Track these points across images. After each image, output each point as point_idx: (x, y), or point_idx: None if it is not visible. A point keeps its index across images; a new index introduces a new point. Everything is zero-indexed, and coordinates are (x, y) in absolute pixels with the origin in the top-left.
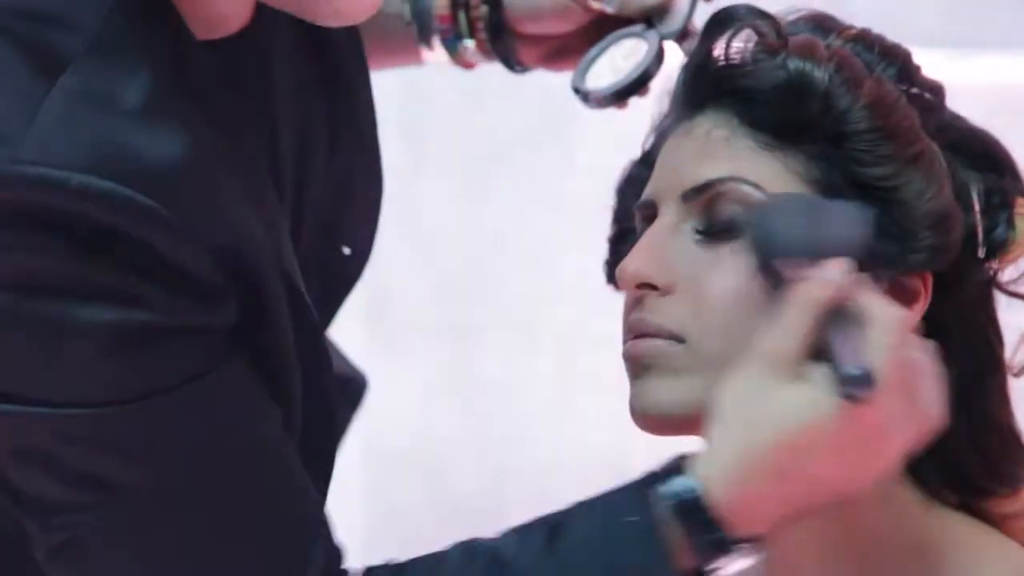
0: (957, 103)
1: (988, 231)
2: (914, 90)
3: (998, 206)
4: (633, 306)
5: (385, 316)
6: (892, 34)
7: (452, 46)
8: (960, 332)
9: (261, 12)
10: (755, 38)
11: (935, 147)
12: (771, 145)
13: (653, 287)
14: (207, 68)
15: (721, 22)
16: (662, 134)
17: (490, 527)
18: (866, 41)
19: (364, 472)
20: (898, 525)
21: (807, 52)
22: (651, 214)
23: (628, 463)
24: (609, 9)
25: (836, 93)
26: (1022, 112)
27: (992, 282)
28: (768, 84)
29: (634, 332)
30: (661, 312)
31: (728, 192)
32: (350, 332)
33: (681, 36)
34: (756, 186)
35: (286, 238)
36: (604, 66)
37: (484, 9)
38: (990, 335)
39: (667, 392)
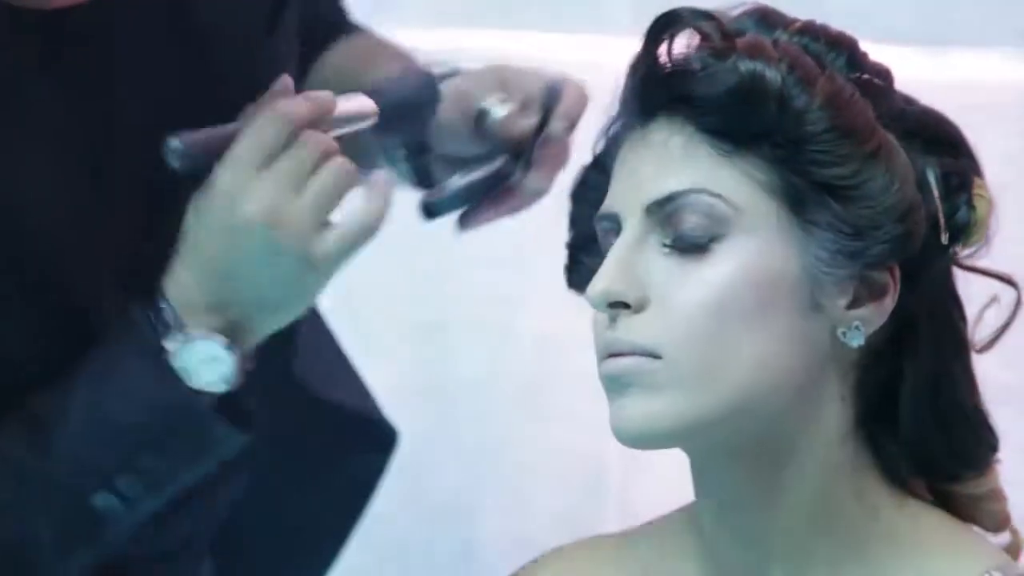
0: (931, 100)
1: (949, 215)
2: (864, 77)
3: (956, 189)
4: (605, 325)
5: (358, 315)
6: (867, 32)
7: (388, 153)
8: (926, 319)
9: None
10: (701, 41)
11: (892, 138)
12: (729, 151)
13: (625, 305)
14: (18, 50)
15: (664, 26)
16: (614, 139)
17: (465, 528)
18: (812, 33)
19: None
20: (872, 517)
21: (757, 53)
22: (614, 227)
23: (604, 463)
24: (491, 133)
25: (790, 94)
26: (996, 109)
27: (953, 262)
28: (720, 90)
29: (609, 351)
30: (634, 330)
31: (692, 204)
32: None
33: (527, 164)
34: (719, 196)
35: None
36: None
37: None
38: (955, 318)
39: (648, 409)
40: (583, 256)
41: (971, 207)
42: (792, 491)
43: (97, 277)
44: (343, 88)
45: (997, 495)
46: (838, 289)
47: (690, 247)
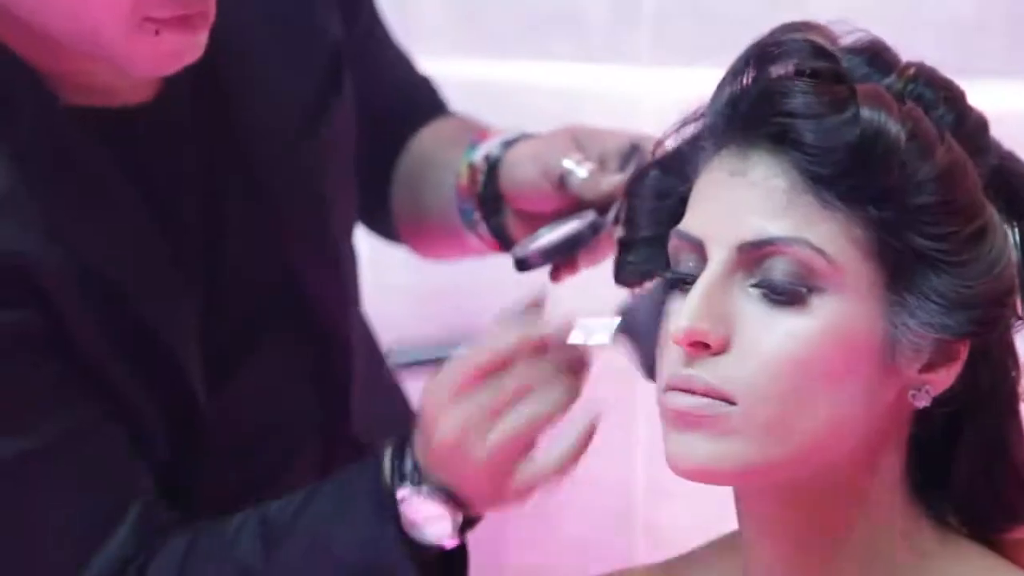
0: None
1: None
2: (969, 132)
3: None
4: (679, 357)
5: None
6: None
7: (466, 217)
8: (987, 378)
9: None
10: (818, 84)
11: (996, 216)
12: (832, 205)
13: (705, 344)
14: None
15: (773, 57)
16: (695, 150)
17: (491, 559)
18: (925, 79)
19: None
20: (920, 559)
21: (879, 108)
22: (694, 252)
23: (630, 491)
24: (575, 192)
25: (909, 160)
26: (1018, 139)
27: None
28: (837, 143)
29: (681, 386)
30: (714, 371)
31: (790, 253)
32: None
33: (615, 218)
34: (819, 250)
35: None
36: (543, 239)
37: (484, 168)
38: (1013, 378)
39: (714, 452)
40: (631, 255)
41: None
42: (842, 532)
43: (187, 351)
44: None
45: None
46: (915, 354)
47: (781, 296)
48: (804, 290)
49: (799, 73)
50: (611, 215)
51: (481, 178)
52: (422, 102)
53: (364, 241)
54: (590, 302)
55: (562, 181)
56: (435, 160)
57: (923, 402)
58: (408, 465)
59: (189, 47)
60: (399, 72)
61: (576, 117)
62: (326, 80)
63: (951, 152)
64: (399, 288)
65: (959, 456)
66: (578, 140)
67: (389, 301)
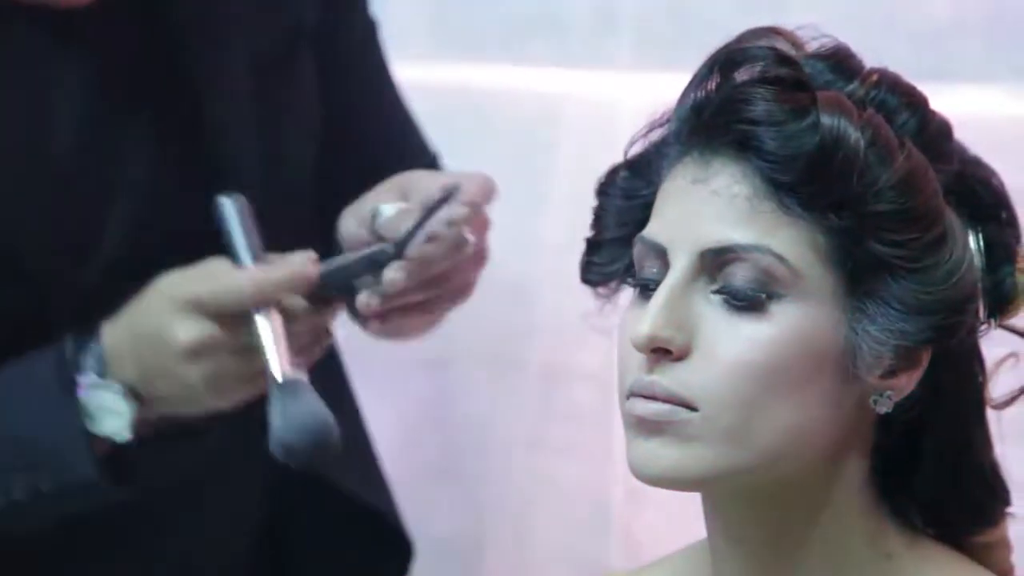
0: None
1: (992, 288)
2: (931, 138)
3: (1001, 261)
4: (640, 364)
5: (363, 351)
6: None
7: None
8: (952, 384)
9: None
10: (779, 91)
11: (956, 223)
12: (794, 211)
13: (667, 351)
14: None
15: (736, 63)
16: (660, 155)
17: (468, 563)
18: (888, 86)
19: None
20: (885, 560)
21: (838, 113)
22: (656, 259)
23: (607, 497)
24: (379, 233)
25: (869, 168)
26: (996, 144)
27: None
28: (798, 150)
29: (642, 392)
30: (675, 377)
31: (752, 260)
32: None
33: (398, 252)
34: (780, 258)
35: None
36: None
37: None
38: (978, 381)
39: (676, 458)
40: (597, 256)
41: (1015, 280)
42: (807, 536)
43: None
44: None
45: (1003, 543)
46: (876, 360)
47: (742, 302)
48: (765, 297)
49: (761, 80)
50: (403, 248)
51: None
52: (408, 153)
53: None
54: (577, 303)
55: (374, 224)
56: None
57: (885, 408)
58: (91, 356)
59: None
60: (396, 113)
61: (555, 121)
62: (282, 42)
63: (911, 159)
64: None
65: (924, 460)
66: (403, 188)
67: None
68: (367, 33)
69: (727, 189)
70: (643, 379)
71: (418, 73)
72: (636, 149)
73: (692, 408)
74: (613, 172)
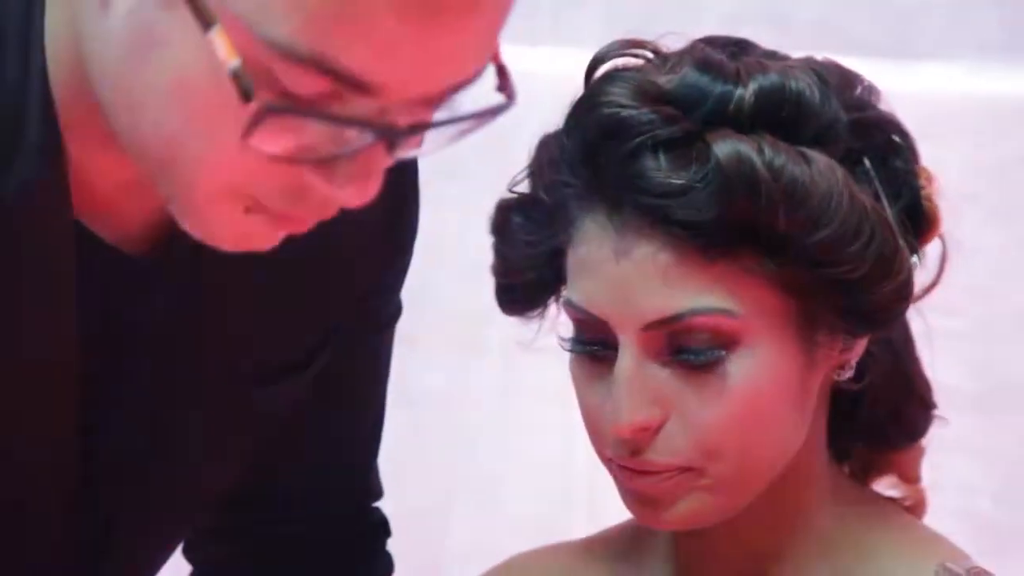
0: (896, 111)
1: (907, 217)
2: (817, 119)
3: (910, 187)
4: (626, 444)
5: None
6: (832, 43)
7: None
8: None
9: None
10: (673, 157)
11: (885, 217)
12: (723, 258)
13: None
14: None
15: (618, 137)
16: (559, 205)
17: (435, 539)
18: (760, 80)
19: None
20: (839, 516)
21: (737, 153)
22: (600, 328)
23: (572, 472)
24: None
25: (782, 206)
26: (960, 121)
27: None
28: (711, 213)
29: (636, 468)
30: (663, 449)
31: (697, 324)
32: None
33: None
34: (724, 311)
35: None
36: None
37: None
38: (906, 315)
39: (683, 513)
40: (512, 295)
41: (926, 214)
42: (773, 502)
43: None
44: None
45: (920, 450)
46: (832, 348)
47: (700, 363)
48: (722, 352)
49: (653, 151)
50: None
51: None
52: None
53: None
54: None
55: None
56: None
57: (847, 375)
58: None
59: (264, 238)
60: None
61: (523, 99)
62: (297, 359)
63: (819, 171)
64: None
65: (867, 396)
66: None
67: None
68: (388, 322)
69: (652, 258)
70: (639, 459)
71: None
72: (525, 185)
73: (689, 469)
74: (505, 211)
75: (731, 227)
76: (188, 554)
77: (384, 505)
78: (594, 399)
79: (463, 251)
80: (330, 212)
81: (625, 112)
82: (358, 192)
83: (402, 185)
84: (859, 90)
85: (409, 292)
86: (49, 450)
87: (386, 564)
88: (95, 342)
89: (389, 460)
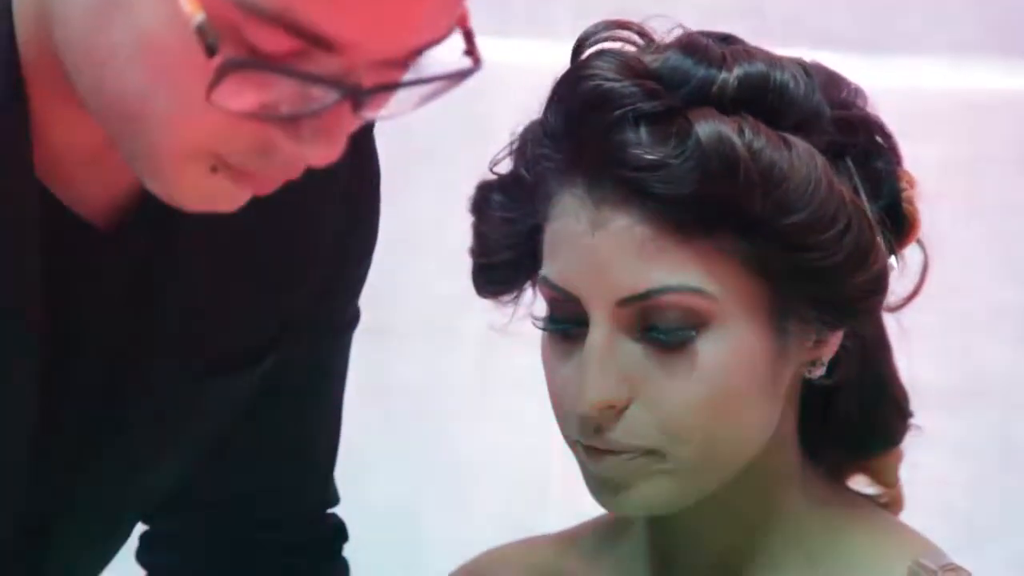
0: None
1: (887, 218)
2: (800, 108)
3: (891, 188)
4: (591, 423)
5: None
6: (806, 38)
7: None
8: (864, 325)
9: None
10: (653, 130)
11: (863, 209)
12: (701, 241)
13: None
14: None
15: (600, 108)
16: (537, 181)
17: (408, 530)
18: (746, 66)
19: None
20: (813, 510)
21: (717, 133)
22: (573, 305)
23: (547, 463)
24: None
25: (759, 188)
26: (934, 117)
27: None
28: (690, 187)
29: (600, 447)
30: (627, 430)
31: (670, 301)
32: None
33: None
34: (698, 291)
35: None
36: None
37: None
38: (882, 314)
39: (645, 497)
40: (489, 276)
41: (906, 216)
42: (745, 497)
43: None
44: None
45: (898, 455)
46: (804, 342)
47: (669, 342)
48: (692, 332)
49: (635, 124)
50: None
51: None
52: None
53: None
54: None
55: None
56: None
57: (819, 373)
58: None
59: (229, 198)
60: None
61: (496, 90)
62: (251, 351)
63: (798, 155)
64: None
65: (840, 398)
66: None
67: None
68: (344, 327)
69: (628, 232)
70: (600, 438)
71: None
72: (506, 164)
73: (652, 452)
74: (485, 191)
75: (708, 205)
76: (141, 558)
77: (357, 497)
78: (562, 378)
79: (438, 242)
80: (295, 172)
81: (608, 84)
82: (323, 151)
83: (365, 184)
84: (845, 92)
85: (384, 282)
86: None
87: (342, 568)
88: (53, 314)
89: (362, 451)
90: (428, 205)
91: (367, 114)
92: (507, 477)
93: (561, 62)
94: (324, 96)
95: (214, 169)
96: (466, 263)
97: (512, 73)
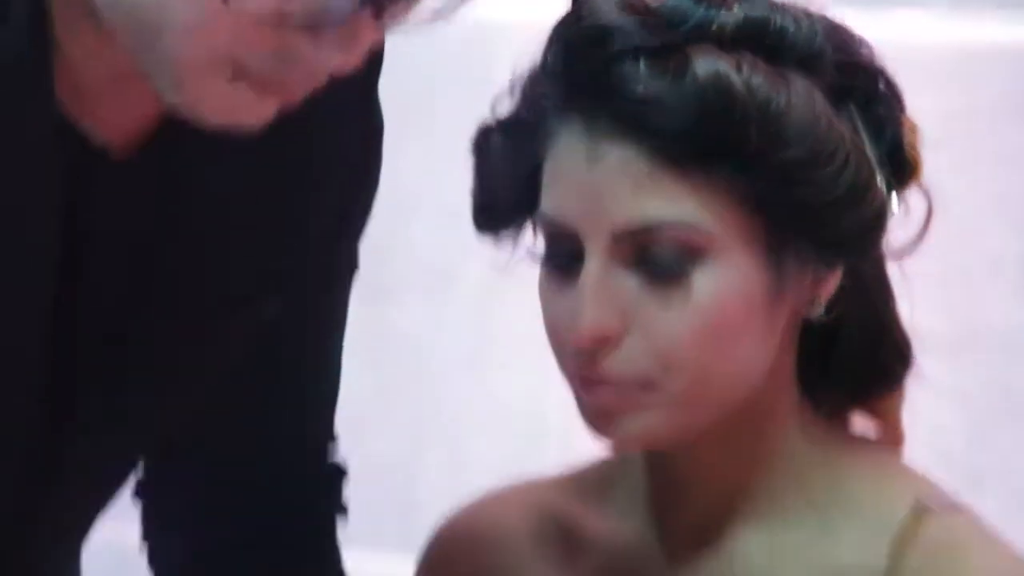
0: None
1: (887, 161)
2: (802, 49)
3: (893, 132)
4: (584, 354)
5: None
6: None
7: None
8: (864, 265)
9: None
10: (652, 63)
11: (862, 148)
12: (697, 176)
13: (606, 337)
14: None
15: (601, 43)
16: (537, 116)
17: (407, 485)
18: (748, 6)
19: None
20: (811, 451)
21: (715, 69)
22: (570, 239)
23: (545, 417)
24: None
25: (762, 115)
26: (933, 68)
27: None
28: (687, 122)
29: (595, 379)
30: (622, 360)
31: (667, 235)
32: None
33: None
34: (693, 226)
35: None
36: None
37: None
38: (883, 255)
39: (643, 426)
40: (490, 216)
41: (909, 161)
42: (742, 436)
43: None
44: None
45: (900, 393)
46: (801, 280)
47: (665, 275)
48: (687, 265)
49: (634, 57)
50: None
51: None
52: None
53: None
54: None
55: None
56: None
57: (817, 312)
58: None
59: (253, 110)
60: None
61: (497, 46)
62: (263, 282)
63: (796, 92)
64: None
65: (841, 340)
66: None
67: None
68: (345, 272)
69: (625, 165)
70: (594, 370)
71: None
72: (506, 106)
73: (646, 384)
74: (486, 132)
75: (705, 139)
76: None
77: (357, 453)
78: (558, 310)
79: (435, 196)
80: (316, 80)
81: (607, 19)
82: (344, 57)
83: (368, 136)
84: (849, 40)
85: (380, 241)
86: (20, 350)
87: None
88: (69, 241)
89: (361, 407)
90: (427, 162)
91: (389, 21)
92: (505, 430)
93: (553, 17)
94: (347, 2)
95: (235, 78)
96: (465, 220)
97: (512, 29)
